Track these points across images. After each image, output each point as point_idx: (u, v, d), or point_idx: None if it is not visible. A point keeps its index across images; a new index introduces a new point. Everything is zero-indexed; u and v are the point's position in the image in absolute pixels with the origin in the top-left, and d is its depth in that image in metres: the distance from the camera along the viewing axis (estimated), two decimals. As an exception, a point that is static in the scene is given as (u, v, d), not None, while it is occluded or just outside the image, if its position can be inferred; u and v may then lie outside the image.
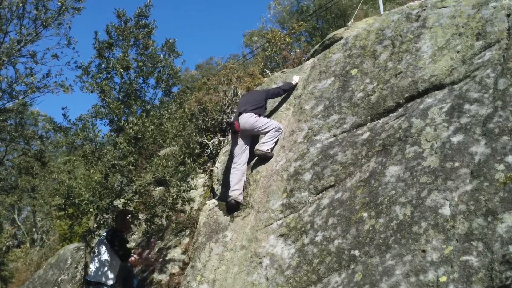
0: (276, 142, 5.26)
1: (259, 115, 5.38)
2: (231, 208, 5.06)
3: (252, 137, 5.45)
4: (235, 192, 5.03)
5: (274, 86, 6.23)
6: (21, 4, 5.80)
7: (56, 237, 14.80)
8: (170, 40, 6.15)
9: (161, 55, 6.08)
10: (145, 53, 6.08)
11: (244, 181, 5.15)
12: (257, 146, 5.21)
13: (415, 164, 3.51)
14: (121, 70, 5.76)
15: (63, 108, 5.58)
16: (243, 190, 5.12)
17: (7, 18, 5.87)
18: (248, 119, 5.30)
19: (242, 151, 5.32)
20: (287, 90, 5.74)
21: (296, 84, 5.76)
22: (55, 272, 9.72)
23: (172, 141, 6.10)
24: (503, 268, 2.57)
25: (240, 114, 5.40)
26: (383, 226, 3.35)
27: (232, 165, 5.28)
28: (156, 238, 5.78)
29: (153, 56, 5.98)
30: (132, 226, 5.70)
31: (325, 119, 4.87)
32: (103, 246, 5.05)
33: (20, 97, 6.05)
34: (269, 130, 5.24)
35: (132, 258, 5.01)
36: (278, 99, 5.88)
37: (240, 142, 5.36)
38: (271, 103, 6.00)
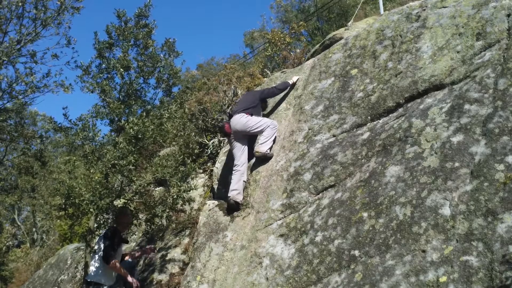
0: (274, 141, 5.25)
1: (251, 115, 5.36)
2: (231, 208, 5.08)
3: (249, 137, 5.44)
4: (233, 192, 5.05)
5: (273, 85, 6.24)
6: (20, 4, 5.79)
7: (56, 237, 14.80)
8: (170, 40, 6.15)
9: (161, 55, 6.07)
10: (145, 53, 6.07)
11: (244, 181, 5.15)
12: (256, 148, 5.20)
13: (415, 164, 3.51)
14: (121, 70, 5.76)
15: (63, 108, 5.57)
16: (243, 190, 5.12)
17: (7, 17, 5.87)
18: (239, 120, 5.31)
19: (240, 153, 5.32)
20: (282, 90, 5.73)
21: (294, 83, 5.76)
22: (55, 272, 9.72)
23: (172, 141, 6.10)
24: (503, 268, 2.56)
25: (231, 116, 5.43)
26: (383, 226, 3.35)
27: (233, 167, 5.29)
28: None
29: (153, 55, 5.97)
30: (131, 226, 5.68)
31: (325, 119, 4.87)
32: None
33: (20, 97, 6.04)
34: (263, 129, 5.23)
35: (112, 263, 4.87)
36: (278, 98, 5.87)
37: (237, 144, 5.36)
38: (271, 103, 6.00)
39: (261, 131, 5.25)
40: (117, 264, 4.91)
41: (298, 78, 5.79)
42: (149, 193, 5.77)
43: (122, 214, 5.29)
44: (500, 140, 3.12)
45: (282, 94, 5.83)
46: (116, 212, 5.34)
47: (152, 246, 5.95)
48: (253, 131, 5.28)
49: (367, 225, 3.48)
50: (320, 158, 4.48)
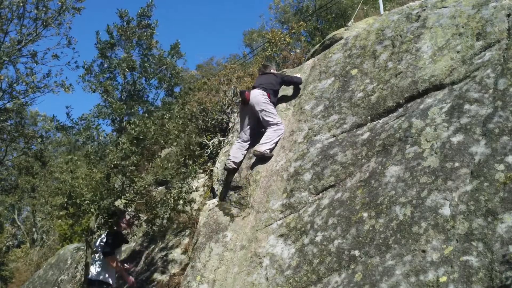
0: (276, 143, 5.25)
1: (269, 97, 5.44)
2: (228, 172, 5.44)
3: (257, 120, 5.45)
4: (229, 160, 5.37)
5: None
6: (21, 4, 5.79)
7: (56, 237, 14.79)
8: (177, 43, 6.17)
9: (168, 58, 6.09)
10: (149, 54, 6.08)
11: (242, 154, 5.41)
12: (255, 147, 5.21)
13: (415, 164, 3.51)
14: (126, 69, 5.76)
15: (67, 107, 5.61)
16: (239, 162, 5.38)
17: (8, 18, 5.87)
18: (257, 95, 5.39)
19: (247, 128, 5.49)
20: (299, 83, 5.71)
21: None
22: (55, 272, 9.72)
23: (174, 141, 6.11)
24: (503, 268, 2.57)
25: (253, 88, 5.54)
26: (383, 226, 3.35)
27: (237, 137, 5.57)
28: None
29: (160, 58, 5.98)
30: (129, 226, 5.70)
31: (325, 119, 4.88)
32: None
33: (21, 97, 6.05)
34: (270, 121, 5.27)
35: (112, 257, 4.96)
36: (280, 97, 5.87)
37: (247, 119, 5.48)
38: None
39: (267, 122, 5.28)
40: (116, 259, 4.96)
41: (299, 76, 5.84)
42: (150, 194, 5.78)
43: (120, 215, 5.33)
44: (500, 140, 3.13)
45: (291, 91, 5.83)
46: (115, 213, 5.36)
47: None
48: (261, 114, 5.32)
49: (367, 225, 3.48)
50: (320, 158, 4.48)
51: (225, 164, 5.43)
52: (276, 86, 5.63)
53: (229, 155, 5.50)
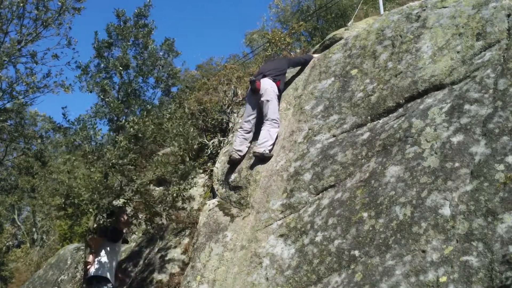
0: (274, 144, 5.24)
1: (278, 85, 5.53)
2: (232, 163, 5.52)
3: (259, 109, 5.51)
4: (233, 152, 5.47)
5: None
6: (21, 4, 5.79)
7: (56, 237, 14.78)
8: (170, 39, 6.18)
9: (160, 54, 6.10)
10: (144, 52, 6.09)
11: (247, 146, 5.49)
12: (254, 148, 5.22)
13: (415, 164, 3.51)
14: (120, 68, 5.77)
15: (63, 108, 5.59)
16: (243, 155, 5.47)
17: (8, 18, 5.87)
18: (268, 86, 5.44)
19: (250, 118, 5.55)
20: (307, 61, 5.94)
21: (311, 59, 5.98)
22: (55, 272, 9.71)
23: (173, 140, 6.11)
24: (503, 268, 2.57)
25: (264, 76, 5.56)
26: (383, 226, 3.35)
27: (239, 129, 5.64)
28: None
29: (152, 54, 5.99)
30: (127, 225, 5.71)
31: (325, 119, 4.87)
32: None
33: (21, 97, 6.04)
34: (269, 114, 5.29)
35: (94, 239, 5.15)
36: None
37: (253, 109, 5.53)
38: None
39: (266, 113, 5.32)
40: (91, 258, 5.12)
41: (318, 56, 5.95)
42: (149, 193, 5.78)
43: (120, 212, 5.35)
44: (500, 140, 3.13)
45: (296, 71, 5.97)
46: (113, 212, 5.37)
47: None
48: (265, 103, 5.36)
49: (367, 225, 3.48)
50: (320, 158, 4.48)
51: (230, 156, 5.48)
52: (284, 70, 5.76)
53: (235, 149, 5.55)
